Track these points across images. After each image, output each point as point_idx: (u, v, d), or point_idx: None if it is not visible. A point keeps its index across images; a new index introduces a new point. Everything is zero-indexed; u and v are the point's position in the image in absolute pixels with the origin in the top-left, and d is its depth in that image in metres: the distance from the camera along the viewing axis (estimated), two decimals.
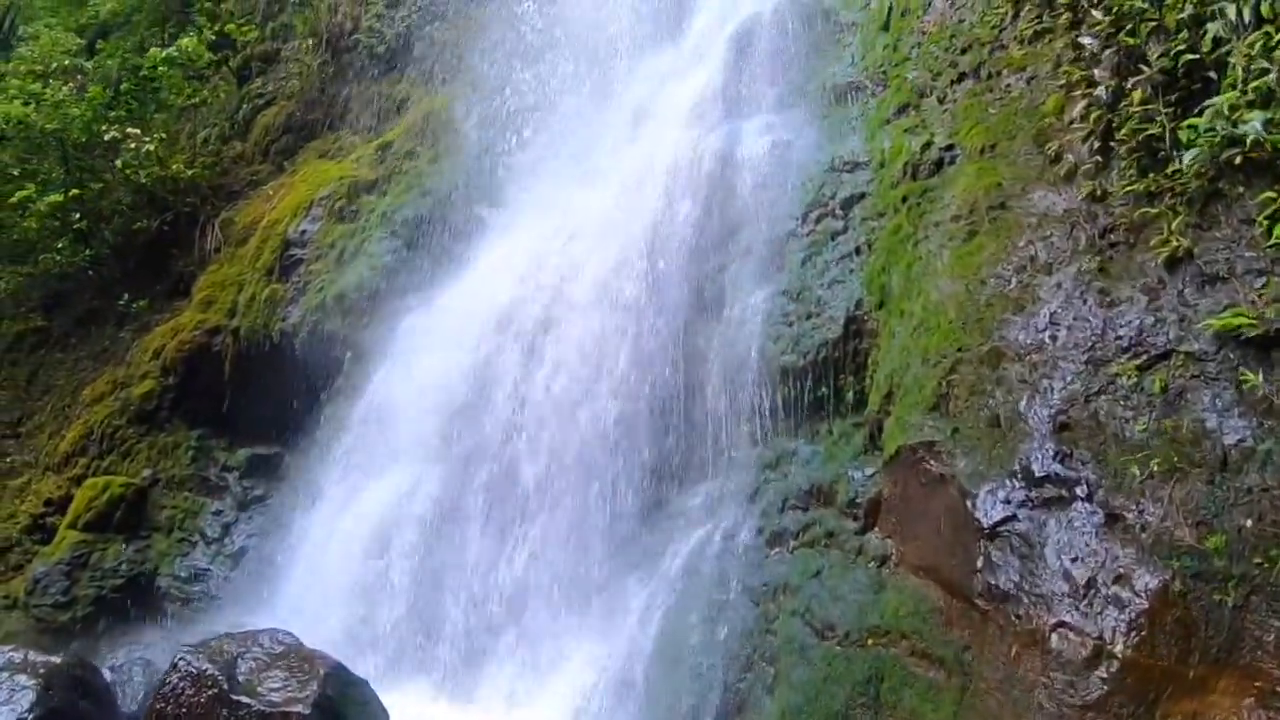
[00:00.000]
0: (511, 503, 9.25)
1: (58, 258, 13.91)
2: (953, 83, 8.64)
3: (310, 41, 14.78)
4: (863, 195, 8.84)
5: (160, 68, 14.48)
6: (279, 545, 11.01)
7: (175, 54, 14.46)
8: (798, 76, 10.37)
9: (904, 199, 8.21)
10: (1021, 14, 8.24)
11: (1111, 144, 6.73)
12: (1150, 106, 6.42)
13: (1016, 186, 7.21)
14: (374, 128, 13.92)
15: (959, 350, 6.67)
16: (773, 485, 8.05)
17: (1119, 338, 5.91)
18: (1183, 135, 5.95)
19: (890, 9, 9.91)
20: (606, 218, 10.27)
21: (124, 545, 11.45)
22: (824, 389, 8.21)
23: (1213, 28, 6.13)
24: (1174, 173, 6.00)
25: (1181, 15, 6.45)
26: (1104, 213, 6.56)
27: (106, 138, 13.65)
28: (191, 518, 11.72)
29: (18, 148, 14.03)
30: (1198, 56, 6.21)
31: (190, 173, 14.14)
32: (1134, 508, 5.35)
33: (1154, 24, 6.62)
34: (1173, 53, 6.38)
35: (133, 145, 13.60)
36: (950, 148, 8.19)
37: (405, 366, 10.70)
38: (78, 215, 13.95)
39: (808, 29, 10.59)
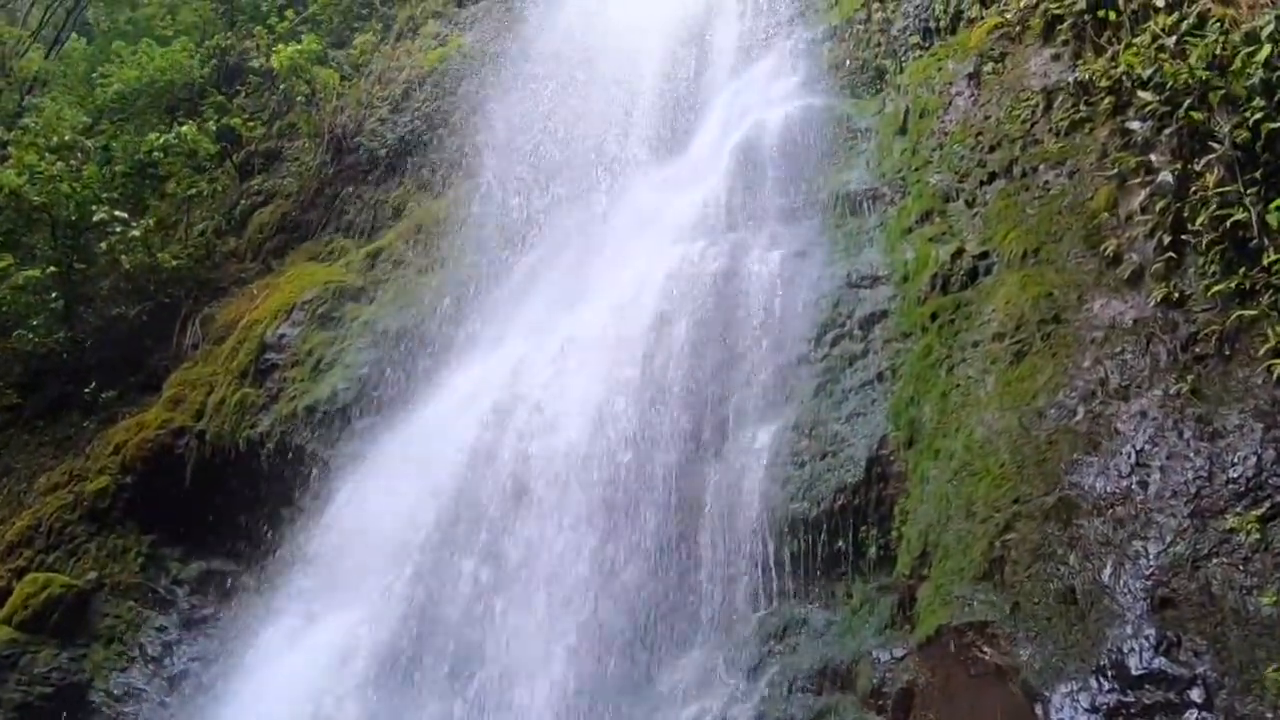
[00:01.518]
0: (468, 667, 7.82)
1: (31, 335, 13.42)
2: (982, 184, 7.76)
3: (312, 142, 14.58)
4: (884, 313, 7.81)
5: (158, 154, 14.26)
6: (221, 674, 10.01)
7: (175, 141, 14.22)
8: (808, 186, 9.49)
9: (933, 316, 7.18)
10: (1055, 105, 7.40)
11: (1184, 237, 5.79)
12: (1228, 189, 5.54)
13: (1071, 295, 6.12)
14: (368, 232, 13.51)
15: (1016, 502, 5.42)
16: (778, 660, 6.64)
17: (1231, 480, 4.73)
18: (1272, 219, 5.17)
19: (907, 111, 9.09)
20: (598, 339, 9.26)
21: (58, 651, 10.44)
22: (841, 542, 6.90)
23: None
24: (1271, 265, 5.14)
25: (1251, 81, 5.57)
26: (1185, 320, 5.54)
27: (95, 219, 13.36)
28: (134, 630, 10.75)
29: (8, 218, 13.71)
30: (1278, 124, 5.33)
31: (176, 264, 13.74)
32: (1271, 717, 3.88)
33: (1221, 93, 5.73)
34: (1250, 123, 5.46)
35: (119, 229, 13.31)
36: (985, 255, 7.24)
37: (372, 491, 9.73)
38: (54, 295, 13.57)
39: (818, 136, 9.74)
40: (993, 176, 7.59)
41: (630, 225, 10.50)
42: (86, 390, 12.99)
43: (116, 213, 13.32)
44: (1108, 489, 5.12)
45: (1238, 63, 5.63)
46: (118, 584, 11.04)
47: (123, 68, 15.43)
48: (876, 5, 10.21)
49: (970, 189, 7.72)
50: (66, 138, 14.37)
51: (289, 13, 15.81)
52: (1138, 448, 5.10)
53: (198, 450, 11.52)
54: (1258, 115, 5.34)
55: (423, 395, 10.38)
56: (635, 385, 8.54)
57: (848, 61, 10.15)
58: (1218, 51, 5.82)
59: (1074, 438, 5.37)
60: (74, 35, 17.78)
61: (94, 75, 15.97)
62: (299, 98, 14.52)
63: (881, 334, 7.62)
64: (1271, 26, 5.32)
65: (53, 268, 13.23)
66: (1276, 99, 5.33)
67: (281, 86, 14.85)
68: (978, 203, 7.59)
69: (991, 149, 7.75)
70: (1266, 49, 5.32)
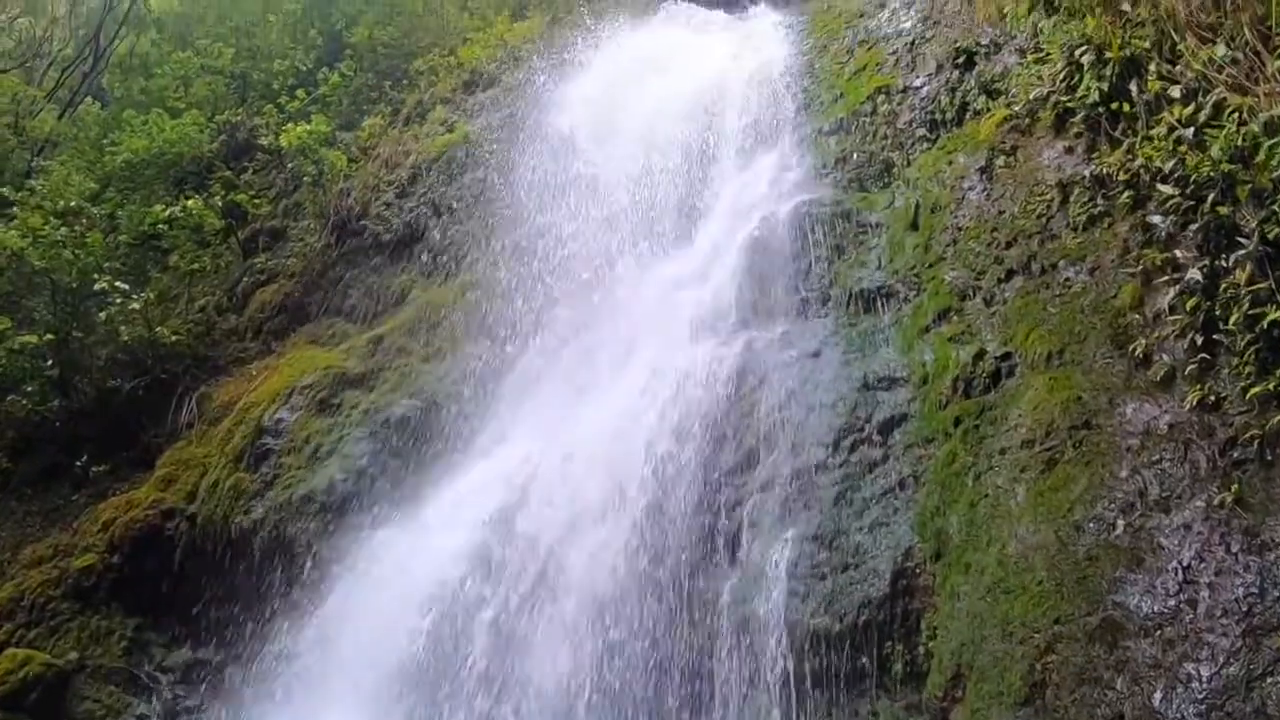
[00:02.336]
0: None
1: (24, 402, 13.02)
2: (1000, 281, 7.52)
3: (318, 222, 14.41)
4: (904, 417, 7.50)
5: (163, 226, 14.12)
6: None
7: (180, 214, 14.08)
8: (820, 282, 9.27)
9: (957, 421, 6.88)
10: (1071, 199, 7.21)
11: (1216, 337, 5.52)
12: (1260, 286, 5.30)
13: (1101, 399, 5.81)
14: (370, 318, 13.22)
15: (1056, 622, 5.05)
16: None
17: None
18: None
19: (918, 206, 8.91)
20: (604, 440, 8.97)
21: None
22: (865, 659, 6.51)
23: None
24: None
25: (1277, 173, 5.40)
26: (1222, 424, 5.24)
27: (96, 287, 13.07)
28: (114, 717, 10.30)
29: (9, 279, 13.43)
30: None
31: (175, 339, 13.43)
32: None
33: (1248, 187, 5.53)
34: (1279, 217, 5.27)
35: (119, 300, 12.99)
36: (1007, 357, 6.95)
37: (365, 592, 9.35)
38: (50, 362, 13.19)
39: (828, 232, 9.54)
40: (1010, 273, 7.37)
41: (638, 322, 10.30)
42: (78, 462, 12.68)
43: (118, 283, 13.11)
44: (1155, 608, 4.77)
45: (1262, 154, 5.45)
46: (100, 667, 10.65)
47: (132, 137, 15.35)
48: (882, 98, 10.14)
49: (988, 286, 7.49)
50: (73, 203, 14.15)
51: (300, 92, 15.78)
52: (1184, 564, 4.77)
53: (188, 533, 11.23)
54: None
55: (423, 491, 10.11)
56: (644, 490, 8.24)
57: (855, 154, 10.04)
58: (1239, 143, 5.64)
59: (1115, 553, 5.02)
60: (89, 99, 17.68)
61: (105, 141, 15.90)
62: (306, 178, 14.43)
63: (902, 439, 7.30)
64: None
65: (50, 335, 12.94)
66: None
67: (289, 166, 14.78)
68: (996, 300, 7.35)
69: (1008, 245, 7.54)
70: None
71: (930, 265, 8.29)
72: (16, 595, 11.30)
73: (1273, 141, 5.39)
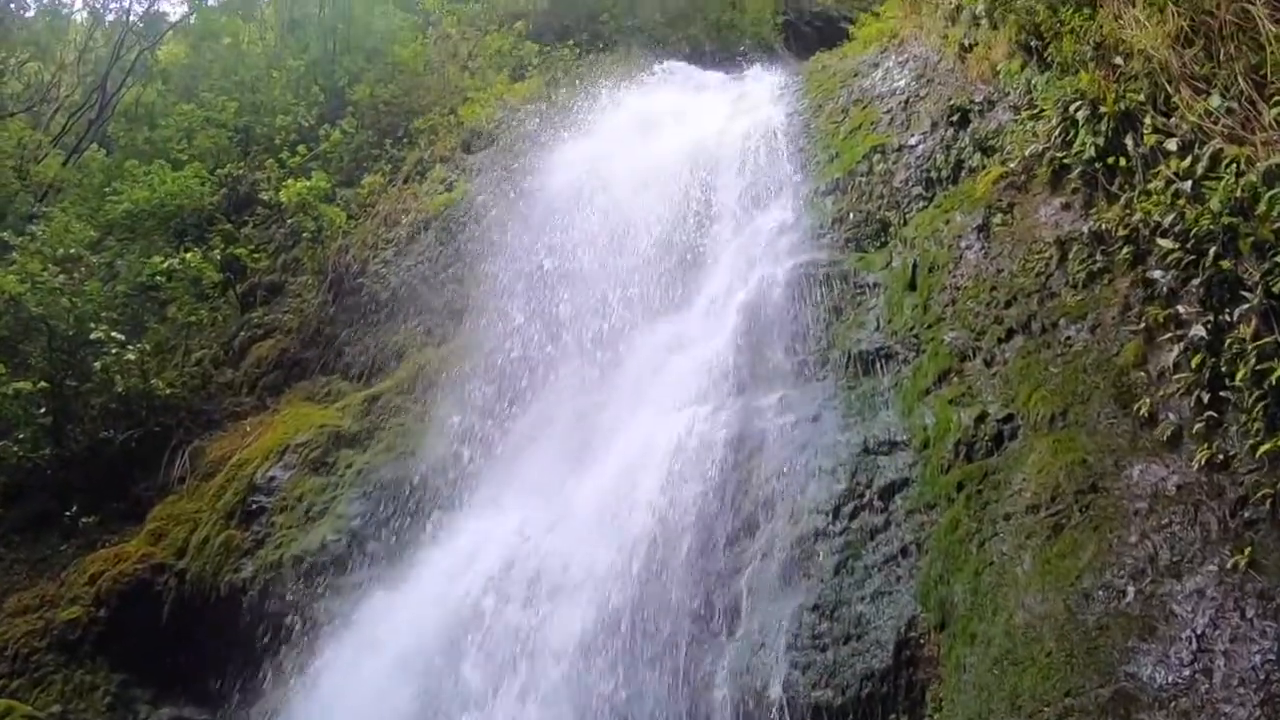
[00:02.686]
0: None
1: (16, 449, 12.82)
2: (1000, 341, 7.38)
3: (316, 279, 14.40)
4: (905, 482, 7.30)
5: (161, 278, 14.13)
6: None
7: (179, 266, 14.11)
8: (818, 345, 9.12)
9: (959, 486, 6.69)
10: (1070, 255, 7.09)
11: (1223, 394, 5.37)
12: (1266, 340, 5.17)
13: (1107, 461, 5.64)
14: (367, 376, 13.11)
15: (1067, 695, 4.85)
16: None
17: None
18: None
19: (915, 266, 8.80)
20: (601, 507, 8.80)
21: None
22: None
23: None
24: None
25: (1279, 225, 5.26)
26: (1232, 484, 5.08)
27: (92, 336, 13.04)
28: None
29: (6, 324, 13.39)
30: None
31: (170, 391, 13.38)
32: None
33: (1249, 239, 5.43)
34: None
35: (115, 350, 12.95)
36: (1009, 419, 6.79)
37: (355, 655, 9.13)
38: (44, 410, 13.07)
39: (826, 292, 9.44)
40: (1010, 333, 7.23)
41: (635, 385, 10.18)
42: (67, 512, 12.55)
43: (114, 333, 13.08)
44: (1169, 679, 4.54)
45: (1262, 205, 5.32)
46: None
47: (134, 187, 15.44)
48: (878, 157, 10.10)
49: (988, 347, 7.35)
50: (72, 250, 14.19)
51: (301, 148, 15.88)
52: (1198, 632, 4.56)
53: (177, 590, 11.06)
54: None
55: (416, 554, 9.92)
56: (641, 557, 8.04)
57: (851, 214, 9.96)
58: (1238, 194, 5.53)
59: (1126, 622, 4.81)
60: (94, 146, 17.73)
61: (108, 189, 15.98)
62: (305, 234, 14.46)
63: (904, 504, 7.09)
64: None
65: (45, 382, 12.90)
66: None
67: (289, 221, 14.78)
68: (997, 361, 7.20)
69: (1007, 304, 7.41)
70: None
71: (929, 326, 8.15)
72: (0, 645, 11.16)
73: (1272, 192, 5.27)
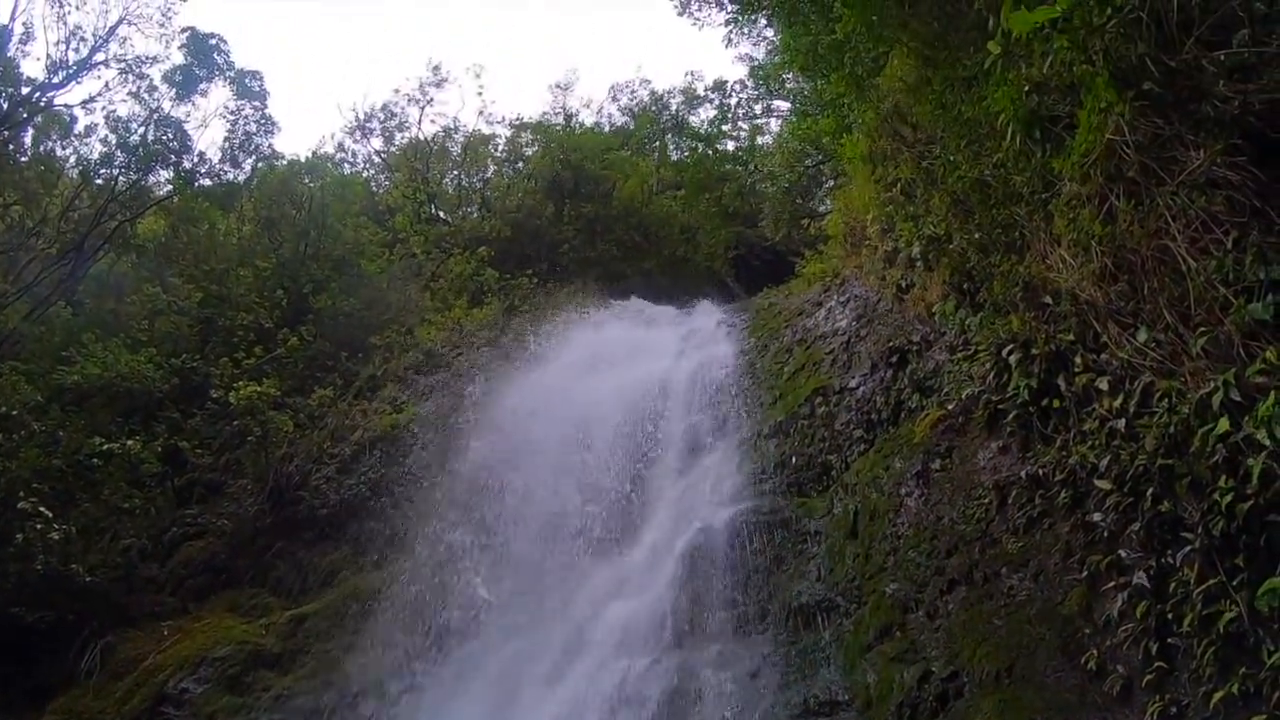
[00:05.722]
0: None
1: None
2: (942, 592, 7.04)
3: (256, 485, 13.86)
4: None
5: (97, 461, 13.53)
6: None
7: (119, 451, 13.58)
8: (758, 595, 8.79)
9: None
10: (1009, 500, 6.85)
11: (1171, 640, 5.04)
12: (1211, 582, 4.87)
13: None
14: (296, 594, 12.50)
15: None
16: None
17: None
18: (1262, 604, 4.50)
19: (856, 513, 8.54)
20: None
21: None
22: None
23: (1255, 465, 4.71)
24: (1272, 661, 4.43)
25: (1214, 460, 5.01)
26: None
27: (19, 505, 12.35)
28: None
29: None
30: (1251, 502, 4.73)
31: (90, 579, 12.60)
32: None
33: (1186, 480, 5.20)
34: (1222, 506, 4.87)
35: (40, 525, 12.25)
36: (954, 676, 6.38)
37: None
38: None
39: (768, 541, 9.12)
40: (952, 584, 6.88)
41: (574, 631, 9.72)
42: None
43: (42, 508, 12.46)
44: None
45: (1196, 441, 5.05)
46: None
47: (88, 360, 15.14)
48: (820, 399, 10.04)
49: (930, 599, 6.97)
50: (14, 412, 13.59)
51: (258, 349, 15.75)
52: None
53: None
54: (1228, 497, 4.72)
55: None
56: None
57: (794, 458, 9.79)
58: (1171, 430, 5.26)
59: None
60: (62, 303, 17.34)
61: (65, 352, 15.57)
62: (250, 438, 14.09)
63: None
64: (1221, 394, 4.77)
65: None
66: (1241, 473, 4.72)
67: (235, 422, 14.43)
68: (940, 614, 6.80)
69: (948, 553, 7.10)
70: (1224, 423, 4.73)
71: (870, 577, 7.77)
72: None
73: (1205, 428, 4.99)
